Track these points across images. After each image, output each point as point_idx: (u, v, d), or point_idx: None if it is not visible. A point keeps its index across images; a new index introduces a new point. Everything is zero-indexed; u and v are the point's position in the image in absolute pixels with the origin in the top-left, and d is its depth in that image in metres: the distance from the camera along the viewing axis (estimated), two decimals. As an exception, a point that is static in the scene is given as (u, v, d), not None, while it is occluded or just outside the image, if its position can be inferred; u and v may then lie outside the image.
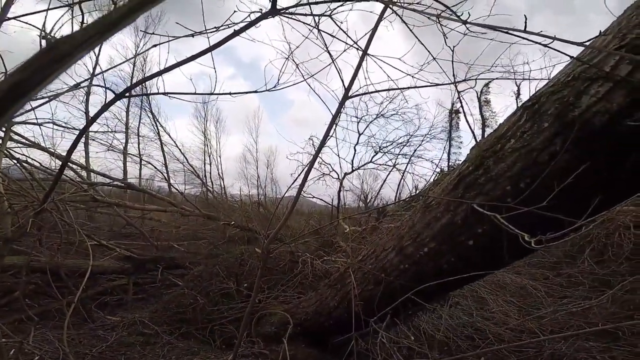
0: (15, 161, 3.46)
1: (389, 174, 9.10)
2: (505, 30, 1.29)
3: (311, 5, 1.88)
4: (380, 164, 8.84)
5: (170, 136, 16.60)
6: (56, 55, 0.42)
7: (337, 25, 2.05)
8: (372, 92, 2.30)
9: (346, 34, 2.05)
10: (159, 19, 14.86)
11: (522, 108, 1.54)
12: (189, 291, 3.11)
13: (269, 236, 1.87)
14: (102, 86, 13.20)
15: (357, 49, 2.03)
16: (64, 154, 3.72)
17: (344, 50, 2.09)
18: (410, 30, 1.98)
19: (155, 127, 16.63)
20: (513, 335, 2.50)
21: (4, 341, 1.98)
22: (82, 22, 1.94)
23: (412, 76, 2.22)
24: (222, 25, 1.76)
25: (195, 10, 1.89)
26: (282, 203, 5.69)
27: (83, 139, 11.35)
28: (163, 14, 14.62)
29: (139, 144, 16.64)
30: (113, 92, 1.66)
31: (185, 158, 16.10)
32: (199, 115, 19.78)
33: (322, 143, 1.88)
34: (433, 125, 10.65)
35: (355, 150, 8.14)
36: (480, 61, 2.39)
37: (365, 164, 8.51)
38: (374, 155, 8.70)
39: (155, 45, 1.91)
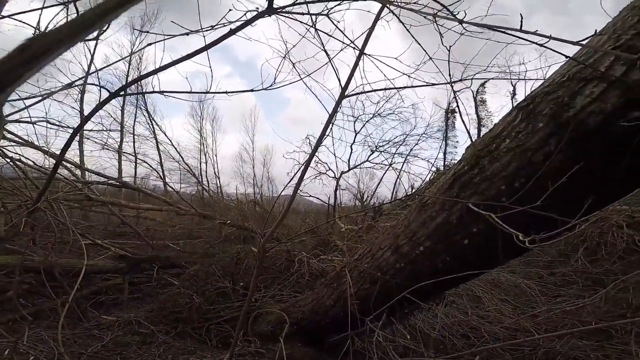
0: (8, 160, 3.43)
1: (385, 173, 9.17)
2: (501, 30, 1.30)
3: (308, 4, 1.88)
4: (376, 163, 8.90)
5: (165, 135, 16.56)
6: (30, 54, 0.41)
7: (334, 25, 2.06)
8: (368, 92, 2.31)
9: (343, 33, 2.06)
10: (155, 17, 14.77)
11: (517, 108, 1.55)
12: (185, 290, 3.10)
13: (265, 235, 1.86)
14: (97, 85, 13.12)
15: (354, 48, 2.03)
16: (58, 152, 3.69)
17: (341, 50, 2.10)
18: (407, 30, 1.99)
19: (151, 126, 16.56)
20: (508, 334, 2.52)
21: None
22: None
23: (409, 76, 2.23)
24: (217, 24, 1.76)
25: (192, 9, 1.88)
26: (278, 202, 5.68)
27: (77, 138, 11.27)
28: (159, 12, 14.54)
29: (134, 142, 16.54)
30: (108, 90, 1.66)
31: (181, 157, 16.05)
32: (195, 114, 19.75)
33: (319, 142, 1.88)
34: (429, 125, 10.74)
35: (351, 149, 8.18)
36: (476, 61, 2.41)
37: (361, 163, 8.55)
38: (371, 155, 8.75)
39: (150, 44, 1.90)
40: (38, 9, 1.81)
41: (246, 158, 20.79)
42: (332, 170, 7.71)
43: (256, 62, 29.37)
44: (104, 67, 11.00)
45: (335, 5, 2.01)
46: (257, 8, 1.75)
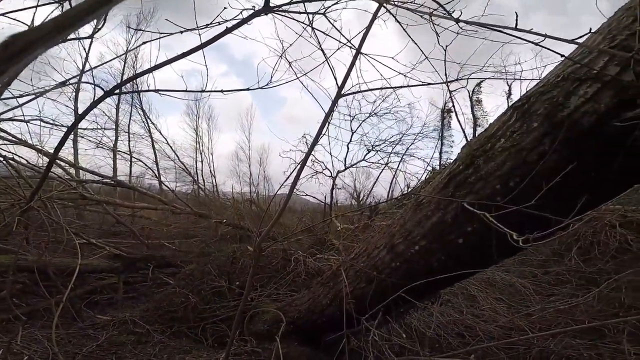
0: (1, 158, 3.39)
1: (381, 172, 9.19)
2: (497, 28, 1.30)
3: (305, 3, 1.88)
4: (372, 162, 8.92)
5: (161, 133, 16.38)
6: (12, 51, 0.41)
7: (331, 24, 2.06)
8: (365, 91, 2.31)
9: (340, 32, 2.06)
10: (151, 15, 14.63)
11: (512, 108, 1.56)
12: (180, 290, 3.09)
13: (261, 234, 1.86)
14: (91, 83, 12.98)
15: (351, 47, 2.03)
16: (52, 151, 3.66)
17: (338, 49, 2.10)
18: (404, 29, 2.00)
19: (146, 124, 16.39)
20: (502, 333, 2.54)
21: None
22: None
23: (405, 75, 2.24)
24: (213, 22, 1.75)
25: (188, 7, 1.87)
26: (274, 201, 5.68)
27: (72, 136, 11.17)
28: (155, 10, 14.41)
29: (129, 141, 16.37)
30: (102, 89, 1.64)
31: (177, 155, 15.94)
32: (191, 113, 19.61)
33: (315, 141, 1.88)
34: (425, 124, 10.80)
35: (348, 148, 8.21)
36: (472, 61, 2.42)
37: (357, 162, 8.58)
38: (367, 154, 8.78)
39: (146, 42, 1.89)
40: (32, 7, 1.79)
41: (242, 157, 20.68)
42: (328, 169, 7.72)
43: (252, 61, 29.25)
44: (99, 65, 10.94)
45: (332, 4, 2.02)
46: (254, 6, 1.74)
